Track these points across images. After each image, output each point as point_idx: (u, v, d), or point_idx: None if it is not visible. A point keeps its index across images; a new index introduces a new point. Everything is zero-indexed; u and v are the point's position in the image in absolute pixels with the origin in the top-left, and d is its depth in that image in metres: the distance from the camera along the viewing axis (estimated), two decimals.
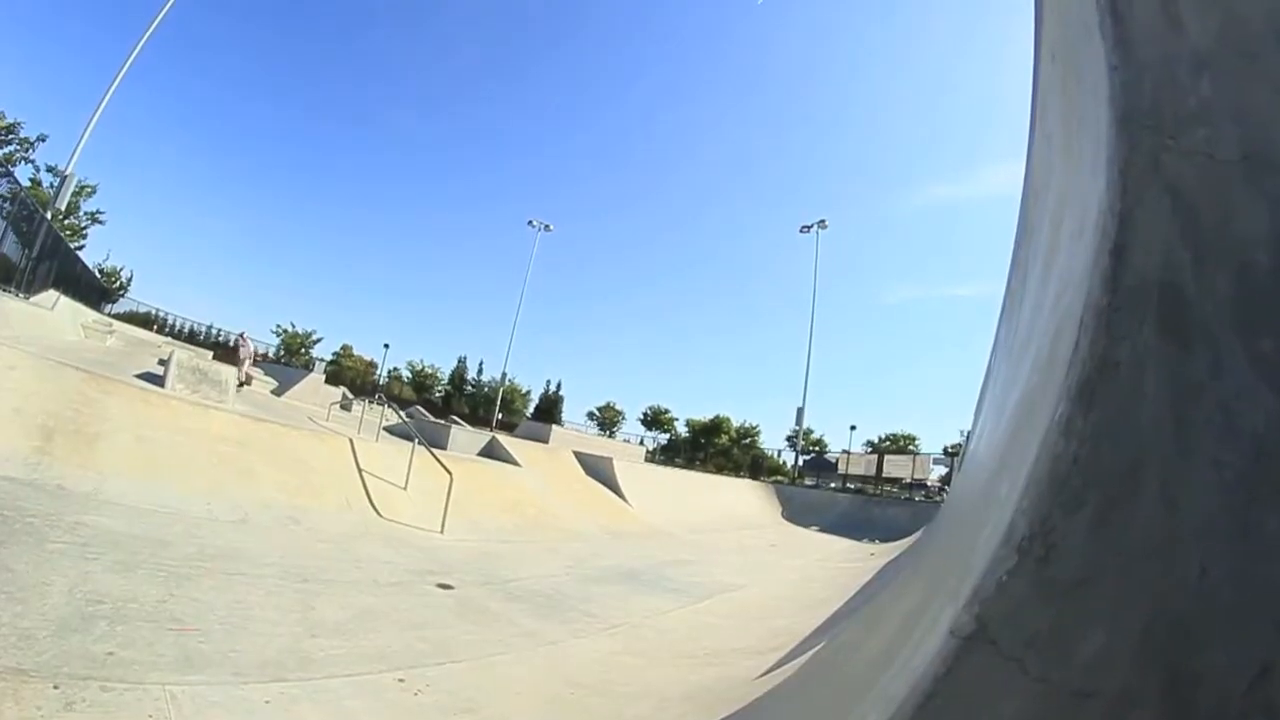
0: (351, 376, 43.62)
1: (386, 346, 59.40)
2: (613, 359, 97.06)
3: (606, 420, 59.17)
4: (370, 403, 14.91)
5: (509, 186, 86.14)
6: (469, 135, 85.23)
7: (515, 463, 10.86)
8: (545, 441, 16.57)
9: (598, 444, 20.55)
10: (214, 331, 39.89)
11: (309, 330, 48.26)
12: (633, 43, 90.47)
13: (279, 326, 47.07)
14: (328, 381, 28.66)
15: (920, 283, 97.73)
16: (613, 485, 11.76)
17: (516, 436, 17.28)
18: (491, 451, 11.81)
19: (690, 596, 7.15)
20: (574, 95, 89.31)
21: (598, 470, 12.06)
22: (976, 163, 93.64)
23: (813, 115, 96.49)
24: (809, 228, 45.71)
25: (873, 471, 43.50)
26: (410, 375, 55.19)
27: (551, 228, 51.25)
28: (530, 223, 50.04)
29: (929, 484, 42.87)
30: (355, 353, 51.95)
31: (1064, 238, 1.71)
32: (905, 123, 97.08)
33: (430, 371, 56.50)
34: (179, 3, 25.07)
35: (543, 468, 11.12)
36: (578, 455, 12.50)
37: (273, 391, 17.75)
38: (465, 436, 14.11)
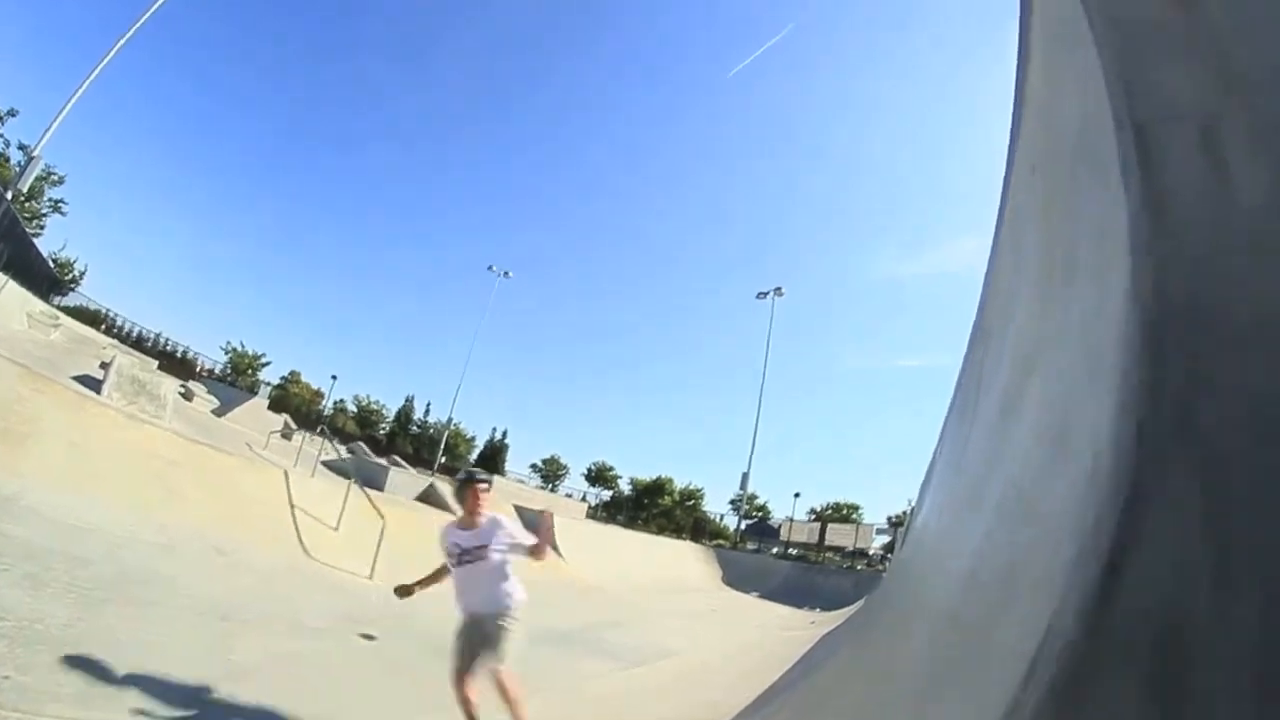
0: (297, 404, 42.35)
1: (334, 378, 58.11)
2: (562, 411, 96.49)
3: (550, 473, 58.69)
4: (312, 434, 14.48)
5: (472, 229, 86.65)
6: (442, 171, 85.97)
7: (453, 512, 10.57)
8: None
9: (539, 498, 20.26)
10: (163, 340, 38.41)
11: (259, 352, 46.87)
12: (597, 104, 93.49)
13: (229, 344, 45.60)
14: (271, 407, 27.76)
15: (871, 353, 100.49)
16: (551, 542, 11.61)
17: None
18: (429, 497, 11.48)
19: (625, 661, 7.03)
20: (547, 146, 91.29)
21: (536, 525, 11.90)
22: (933, 240, 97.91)
23: (775, 181, 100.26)
24: (765, 294, 46.76)
25: (815, 539, 43.74)
26: (356, 410, 53.91)
27: (511, 274, 51.36)
28: (490, 268, 50.15)
29: (871, 552, 43.30)
30: (303, 380, 50.57)
31: (1035, 431, 1.38)
32: (866, 196, 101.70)
33: (376, 408, 55.30)
34: (173, 3, 25.03)
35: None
36: (517, 508, 12.24)
37: (214, 411, 17.13)
38: (404, 479, 13.71)
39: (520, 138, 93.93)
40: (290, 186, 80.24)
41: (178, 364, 36.98)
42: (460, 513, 4.65)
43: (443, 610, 4.37)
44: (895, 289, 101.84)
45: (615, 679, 6.26)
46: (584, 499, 46.38)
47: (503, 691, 4.11)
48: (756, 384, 45.24)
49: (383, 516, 8.55)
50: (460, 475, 4.91)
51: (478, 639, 4.07)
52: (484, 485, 4.69)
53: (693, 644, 8.97)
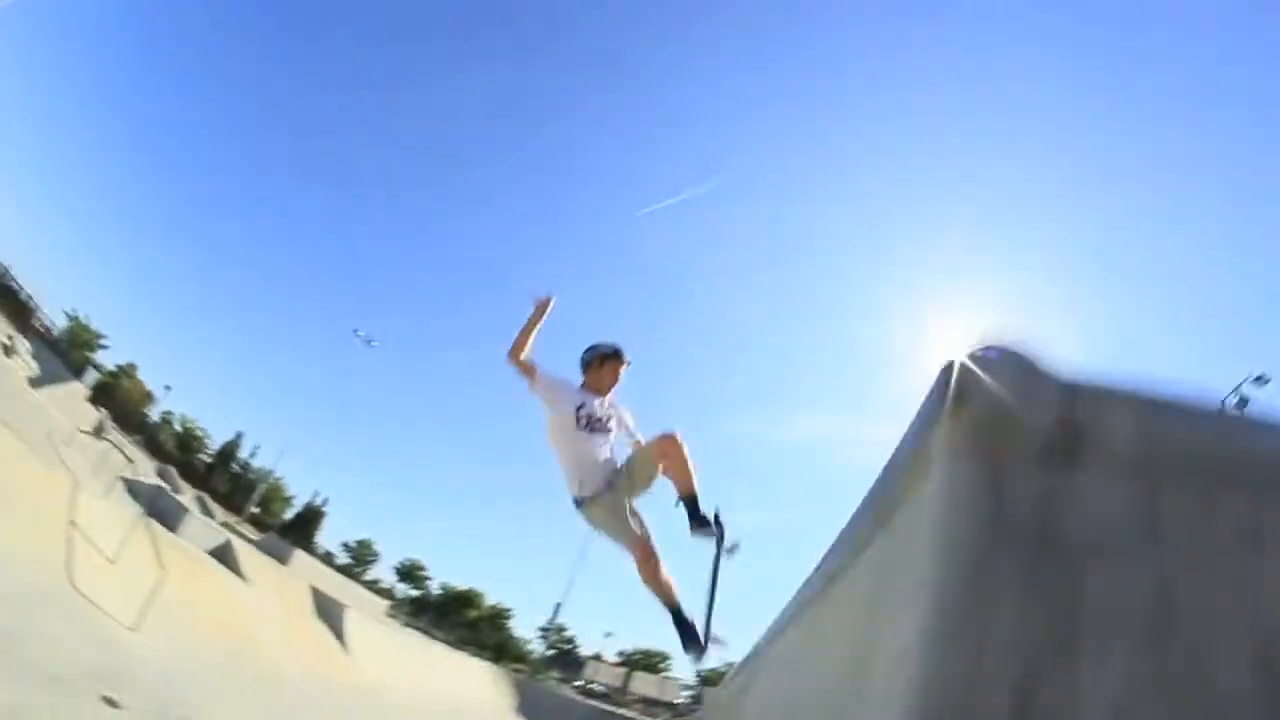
0: (123, 400, 37.87)
1: (168, 388, 52.80)
2: (390, 494, 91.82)
3: (360, 556, 55.09)
4: (129, 441, 13.09)
5: (348, 286, 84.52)
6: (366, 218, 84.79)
7: (244, 578, 9.70)
8: (285, 563, 15.10)
9: (340, 584, 19.18)
10: (7, 270, 33.53)
11: (100, 332, 42.04)
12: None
13: (75, 311, 40.67)
14: (93, 398, 25.14)
15: (709, 499, 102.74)
16: (340, 634, 10.78)
17: (257, 547, 15.57)
18: (224, 556, 10.45)
19: None
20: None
21: (329, 614, 11.05)
22: (791, 410, 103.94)
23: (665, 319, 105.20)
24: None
25: (620, 684, 42.63)
26: (182, 429, 48.75)
27: (376, 344, 49.55)
28: (356, 332, 48.38)
29: (677, 702, 42.55)
30: (138, 377, 45.42)
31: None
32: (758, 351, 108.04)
33: (201, 435, 50.25)
34: None
35: (272, 593, 9.97)
36: (314, 591, 11.35)
37: (31, 379, 15.12)
38: (201, 528, 12.38)
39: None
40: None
41: (13, 306, 32.01)
42: (586, 379, 4.61)
43: (211, 691, 4.10)
44: (746, 445, 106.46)
45: None
46: (391, 592, 43.26)
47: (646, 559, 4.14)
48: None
49: (163, 567, 7.74)
50: (613, 346, 4.78)
51: (615, 505, 4.18)
52: (628, 365, 4.68)
53: None
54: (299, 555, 17.45)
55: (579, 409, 4.35)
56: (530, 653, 48.84)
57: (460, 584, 56.18)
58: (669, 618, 4.17)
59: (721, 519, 4.31)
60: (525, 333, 4.41)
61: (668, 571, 4.19)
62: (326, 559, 62.76)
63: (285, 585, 11.41)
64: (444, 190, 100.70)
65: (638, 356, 4.75)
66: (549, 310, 4.47)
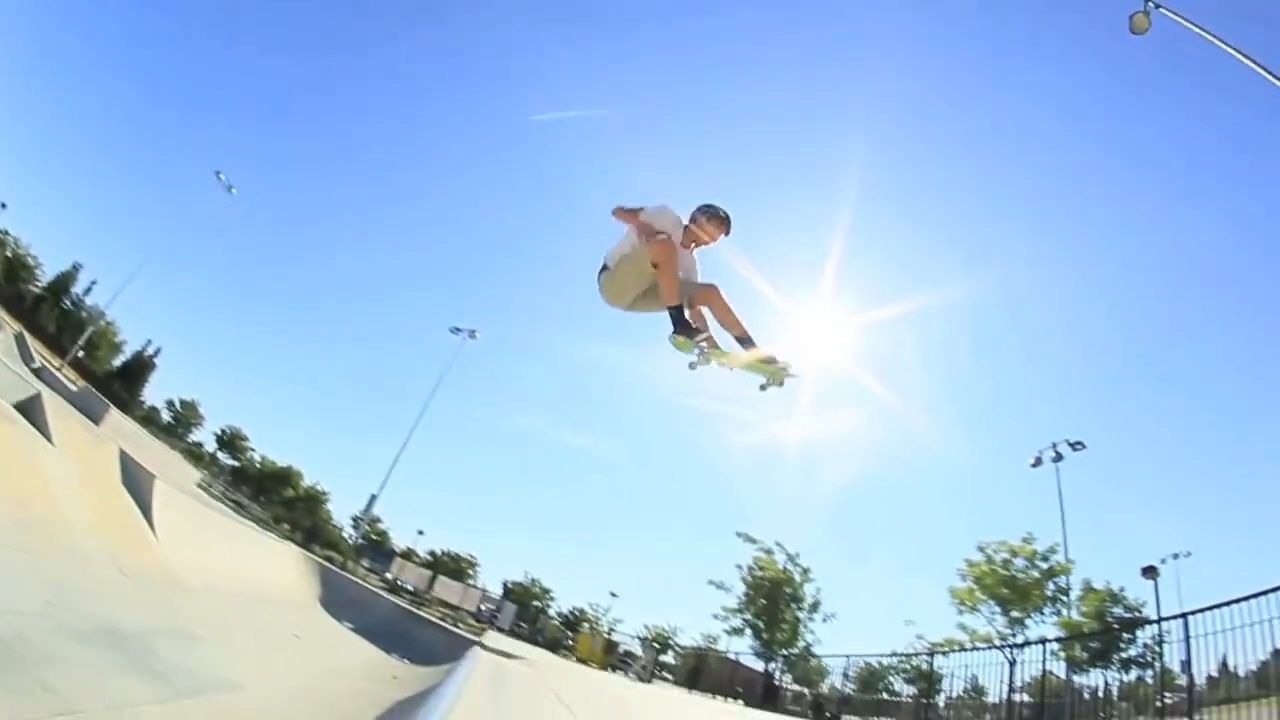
0: None
1: (3, 205, 43.55)
2: (222, 357, 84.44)
3: (185, 417, 50.89)
4: None
5: None
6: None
7: (49, 438, 8.06)
8: (98, 422, 13.02)
9: (154, 450, 17.08)
10: None
11: None
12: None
13: None
14: None
15: (539, 417, 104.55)
16: (146, 509, 9.41)
17: (72, 401, 13.29)
18: (30, 411, 8.61)
19: (173, 688, 5.68)
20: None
21: (138, 485, 9.59)
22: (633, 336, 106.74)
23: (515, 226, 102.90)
24: (460, 331, 45.72)
25: (424, 586, 42.54)
26: (11, 255, 40.91)
27: (235, 191, 45.27)
28: (218, 174, 43.49)
29: (481, 610, 43.57)
30: None
31: None
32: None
33: (32, 262, 42.58)
34: None
35: (79, 455, 8.41)
36: (123, 457, 9.76)
37: None
38: (8, 379, 10.48)
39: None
40: None
41: None
42: (692, 224, 5.76)
43: None
44: (588, 368, 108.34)
45: (150, 712, 5.01)
46: (214, 457, 40.22)
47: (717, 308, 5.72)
48: (418, 408, 42.95)
49: None
50: (727, 216, 5.70)
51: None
52: (725, 236, 5.71)
53: (259, 678, 7.65)
54: (113, 415, 15.17)
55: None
56: (344, 539, 47.46)
57: (280, 460, 53.47)
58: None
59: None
60: (628, 216, 5.57)
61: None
62: (150, 415, 57.69)
63: (97, 448, 9.71)
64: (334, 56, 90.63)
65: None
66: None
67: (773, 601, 33.71)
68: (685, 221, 5.74)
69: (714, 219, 5.69)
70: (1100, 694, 19.49)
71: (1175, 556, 40.20)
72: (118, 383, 43.73)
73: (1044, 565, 27.34)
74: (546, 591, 69.15)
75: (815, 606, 34.05)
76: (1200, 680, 14.24)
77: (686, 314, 5.56)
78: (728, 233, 5.68)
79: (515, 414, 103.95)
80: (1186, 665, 13.74)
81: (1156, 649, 17.23)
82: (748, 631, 34.69)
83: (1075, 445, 34.04)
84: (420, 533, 64.07)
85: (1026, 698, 17.10)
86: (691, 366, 5.80)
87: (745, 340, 5.64)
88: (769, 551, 34.84)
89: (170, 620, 7.43)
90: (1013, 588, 26.30)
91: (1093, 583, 27.99)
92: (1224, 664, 13.71)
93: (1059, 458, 33.38)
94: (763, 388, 5.82)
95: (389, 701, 9.51)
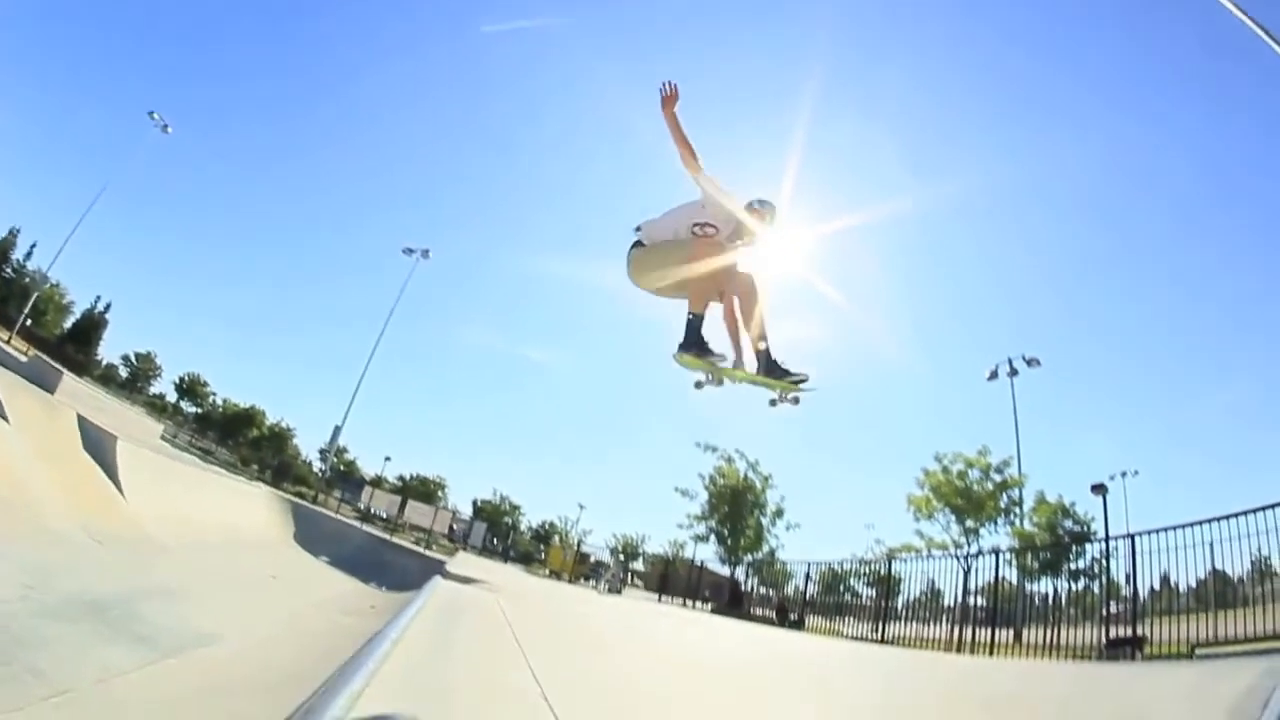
0: None
1: None
2: (173, 302, 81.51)
3: (143, 371, 49.57)
4: None
5: None
6: None
7: (4, 416, 7.92)
8: (53, 390, 12.68)
9: (113, 410, 16.75)
10: None
11: None
12: None
13: None
14: None
15: (498, 333, 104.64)
16: (112, 472, 9.44)
17: (24, 374, 12.86)
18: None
19: (157, 649, 5.98)
20: None
21: (101, 449, 9.58)
22: (588, 249, 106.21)
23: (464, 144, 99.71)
24: (412, 251, 44.60)
25: (395, 511, 43.28)
26: None
27: (170, 131, 42.42)
28: (151, 114, 40.69)
29: (453, 530, 44.64)
30: None
31: None
32: (544, 187, 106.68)
33: None
34: None
35: (36, 429, 8.33)
36: (82, 423, 9.64)
37: None
38: None
39: None
40: None
41: None
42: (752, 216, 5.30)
43: None
44: (543, 282, 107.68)
45: (137, 679, 5.30)
46: (178, 406, 39.44)
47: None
48: (374, 334, 42.30)
49: None
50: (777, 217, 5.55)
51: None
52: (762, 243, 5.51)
53: (239, 625, 7.95)
54: (68, 380, 14.73)
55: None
56: (313, 472, 47.78)
57: (243, 402, 53.04)
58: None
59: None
60: (683, 139, 4.97)
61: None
62: (108, 374, 56.33)
63: (51, 420, 9.58)
64: None
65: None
66: (678, 96, 4.92)
67: (735, 509, 34.62)
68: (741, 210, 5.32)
69: (767, 213, 5.36)
70: (1050, 601, 20.66)
71: (1124, 474, 42.96)
72: (71, 345, 42.40)
73: (998, 478, 28.27)
74: (516, 508, 71.05)
75: (779, 513, 35.02)
76: (1144, 594, 15.23)
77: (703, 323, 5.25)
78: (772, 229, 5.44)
79: (473, 332, 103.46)
80: (1132, 579, 14.84)
81: (1104, 563, 18.41)
82: (713, 539, 35.58)
83: (1030, 361, 35.52)
84: (387, 459, 64.60)
85: (981, 601, 18.21)
86: (698, 385, 5.44)
87: (762, 344, 5.29)
88: (729, 460, 35.28)
89: (148, 580, 7.69)
90: (968, 498, 27.03)
91: (1045, 496, 29.75)
92: (1165, 579, 15.03)
93: (1014, 373, 34.78)
94: (773, 403, 5.44)
95: (368, 633, 10.03)
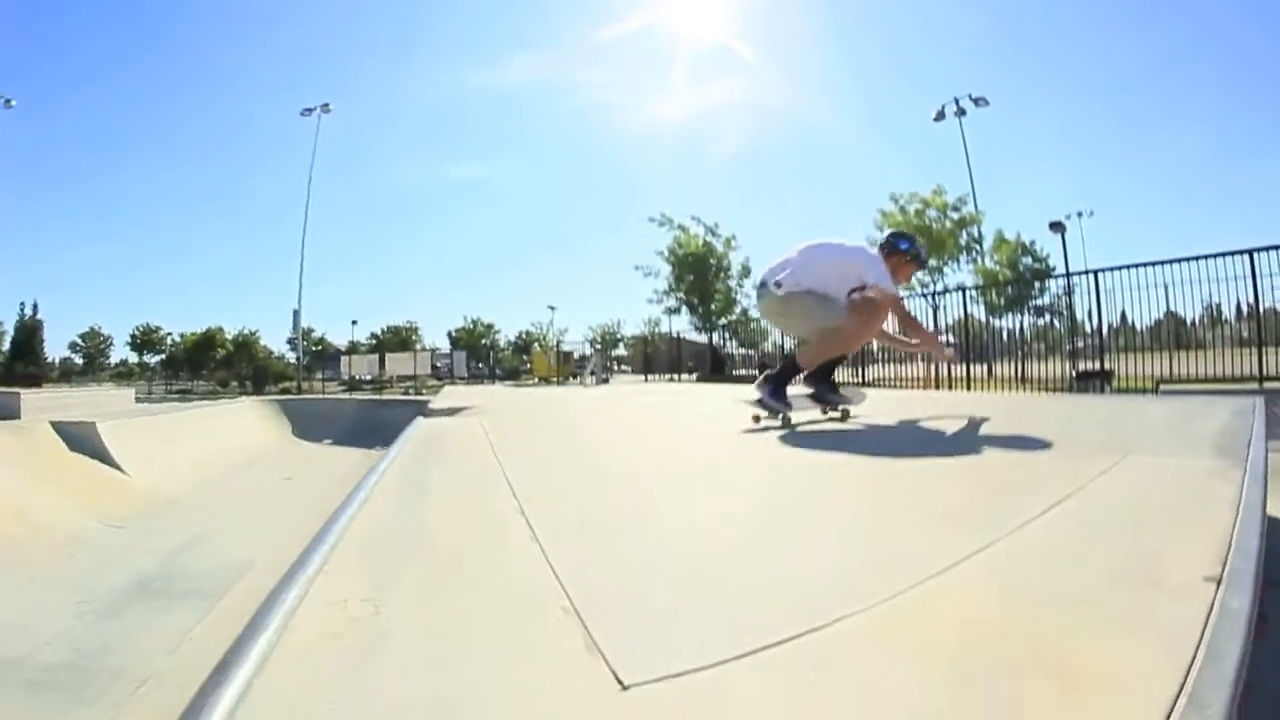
0: None
1: None
2: (93, 269, 76.03)
3: (94, 349, 47.19)
4: None
5: None
6: None
7: None
8: (17, 416, 12.13)
9: (81, 399, 16.23)
10: None
11: None
12: None
13: None
14: None
15: (422, 163, 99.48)
16: (105, 456, 9.56)
17: None
18: None
19: (205, 597, 6.54)
20: None
21: (85, 441, 9.59)
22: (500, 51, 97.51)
23: None
24: (311, 110, 41.45)
25: (377, 371, 44.03)
26: None
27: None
28: None
29: (437, 367, 45.57)
30: None
31: None
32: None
33: None
34: None
35: (17, 460, 8.25)
36: (57, 428, 9.49)
37: None
38: None
39: None
40: None
41: None
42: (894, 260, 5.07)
43: None
44: (452, 98, 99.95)
45: (199, 634, 5.90)
46: (141, 364, 38.36)
47: None
48: (300, 212, 40.51)
49: None
50: (925, 260, 5.91)
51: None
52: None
53: (268, 540, 8.30)
54: (28, 397, 13.97)
55: (877, 285, 4.76)
56: (288, 366, 47.78)
57: (199, 329, 51.77)
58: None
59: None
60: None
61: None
62: (65, 367, 54.21)
63: (27, 441, 9.45)
64: None
65: None
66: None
67: (700, 276, 34.86)
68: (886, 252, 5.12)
69: (915, 264, 5.32)
70: (1017, 336, 21.71)
71: (1079, 214, 43.70)
72: (18, 363, 40.47)
73: (955, 216, 28.88)
74: (490, 327, 72.35)
75: (746, 273, 35.16)
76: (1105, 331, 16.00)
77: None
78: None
79: (403, 169, 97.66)
80: (1097, 313, 15.60)
81: (1067, 299, 19.19)
82: (684, 310, 36.26)
83: (978, 100, 34.36)
84: (354, 323, 64.39)
85: (951, 338, 19.30)
86: (756, 420, 5.03)
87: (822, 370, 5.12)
88: (684, 228, 34.91)
89: (173, 539, 8.22)
90: (928, 237, 27.15)
91: (1004, 234, 30.38)
92: (1123, 317, 15.87)
93: (962, 112, 33.90)
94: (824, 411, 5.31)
95: None
